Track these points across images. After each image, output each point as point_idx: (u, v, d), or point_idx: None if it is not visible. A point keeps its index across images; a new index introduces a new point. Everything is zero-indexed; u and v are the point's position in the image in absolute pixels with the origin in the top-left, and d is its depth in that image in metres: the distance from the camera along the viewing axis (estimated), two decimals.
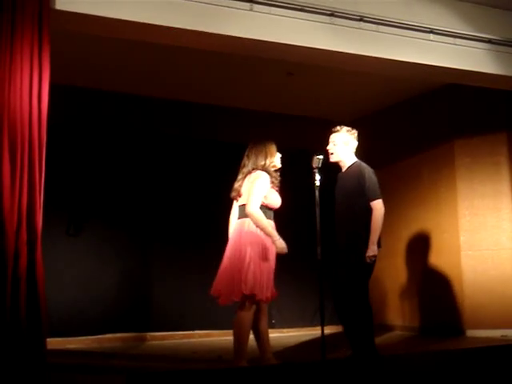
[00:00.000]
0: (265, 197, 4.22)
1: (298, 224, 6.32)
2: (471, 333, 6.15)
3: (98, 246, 6.31)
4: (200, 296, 6.07)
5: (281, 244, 4.15)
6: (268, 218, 4.24)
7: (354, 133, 4.71)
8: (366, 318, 4.41)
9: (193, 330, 6.61)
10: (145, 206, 6.59)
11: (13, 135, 3.67)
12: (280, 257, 4.25)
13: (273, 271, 4.23)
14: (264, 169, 4.30)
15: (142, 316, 6.41)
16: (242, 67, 5.97)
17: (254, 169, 4.31)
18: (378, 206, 4.46)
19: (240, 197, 4.34)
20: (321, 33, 4.71)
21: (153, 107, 6.65)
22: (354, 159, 4.69)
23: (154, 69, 6.01)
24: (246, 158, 4.40)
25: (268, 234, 4.15)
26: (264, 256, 4.14)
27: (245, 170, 4.36)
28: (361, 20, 4.80)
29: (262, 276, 4.11)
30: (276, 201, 4.31)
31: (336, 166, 4.75)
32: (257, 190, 4.18)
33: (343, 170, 4.70)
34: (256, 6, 4.50)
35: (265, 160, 4.33)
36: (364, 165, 4.61)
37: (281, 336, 6.63)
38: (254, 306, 4.14)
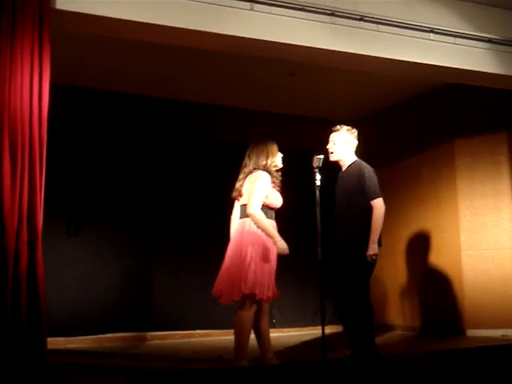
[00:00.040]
0: (266, 196, 4.23)
1: (299, 224, 6.31)
2: (471, 332, 6.16)
3: (98, 246, 6.31)
4: (200, 296, 6.09)
5: (282, 245, 4.16)
6: (269, 217, 4.25)
7: (354, 132, 4.71)
8: (367, 318, 4.41)
9: (193, 329, 6.61)
10: (145, 206, 6.59)
11: (13, 135, 3.67)
12: (281, 257, 4.25)
13: (274, 271, 4.23)
14: (265, 168, 4.30)
15: (142, 316, 6.41)
16: (242, 67, 5.97)
17: (255, 168, 4.31)
18: (378, 204, 4.46)
19: (241, 196, 4.34)
20: (321, 32, 4.71)
21: (153, 107, 6.65)
22: (354, 158, 4.69)
23: (153, 69, 6.01)
24: (247, 157, 4.40)
25: (269, 235, 4.16)
26: (265, 256, 4.14)
27: (246, 170, 4.36)
28: (361, 19, 4.80)
29: (262, 276, 4.11)
30: (277, 201, 4.32)
31: (336, 166, 4.75)
32: (258, 191, 4.18)
33: (343, 169, 4.71)
34: (256, 6, 4.50)
35: (266, 160, 4.33)
36: (364, 164, 4.61)
37: (281, 336, 6.63)
38: (254, 306, 4.14)
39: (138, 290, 6.47)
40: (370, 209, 4.45)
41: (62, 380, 3.78)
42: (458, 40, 5.15)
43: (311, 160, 4.30)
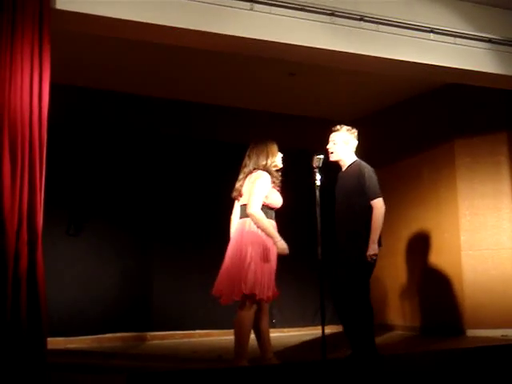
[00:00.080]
0: (266, 197, 4.23)
1: (299, 224, 6.31)
2: (471, 332, 6.16)
3: (98, 246, 6.31)
4: (200, 296, 6.09)
5: (282, 245, 4.16)
6: (269, 217, 4.25)
7: (354, 132, 4.71)
8: (367, 318, 4.41)
9: (193, 329, 6.61)
10: (145, 206, 6.59)
11: (13, 135, 3.67)
12: (281, 257, 4.25)
13: (274, 271, 4.23)
14: (265, 168, 4.30)
15: (143, 316, 6.41)
16: (242, 67, 5.97)
17: (255, 168, 4.31)
18: (378, 204, 4.46)
19: (241, 196, 4.34)
20: (321, 32, 4.71)
21: (153, 107, 6.65)
22: (354, 158, 4.69)
23: (153, 69, 6.01)
24: (247, 157, 4.40)
25: (269, 235, 4.16)
26: (265, 256, 4.14)
27: (246, 170, 4.36)
28: (361, 19, 4.80)
29: (262, 276, 4.11)
30: (277, 201, 4.32)
31: (336, 166, 4.75)
32: (257, 191, 4.18)
33: (343, 169, 4.71)
34: (256, 6, 4.50)
35: (266, 160, 4.33)
36: (364, 164, 4.61)
37: (281, 336, 6.63)
38: (254, 306, 4.14)
39: (138, 290, 6.47)
40: (370, 209, 4.45)
41: (62, 380, 3.78)
42: (458, 40, 5.15)
43: (311, 160, 4.30)
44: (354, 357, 4.42)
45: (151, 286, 6.53)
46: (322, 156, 4.32)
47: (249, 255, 4.11)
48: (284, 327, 7.02)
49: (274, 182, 4.31)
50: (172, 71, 6.08)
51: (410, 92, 6.78)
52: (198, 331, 6.62)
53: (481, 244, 6.33)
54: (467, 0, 5.25)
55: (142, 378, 3.35)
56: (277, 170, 4.40)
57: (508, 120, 6.43)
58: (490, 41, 5.25)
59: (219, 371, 3.80)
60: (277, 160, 4.40)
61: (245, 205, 4.24)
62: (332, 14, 4.71)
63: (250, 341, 4.17)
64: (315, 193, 4.23)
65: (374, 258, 4.37)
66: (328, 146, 4.68)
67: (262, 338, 4.28)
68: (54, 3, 3.98)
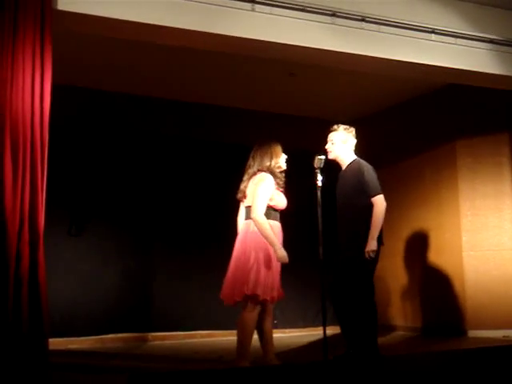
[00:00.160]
0: (270, 198, 4.21)
1: (300, 224, 6.31)
2: (473, 333, 6.15)
3: (99, 246, 6.31)
4: (202, 296, 6.09)
5: (282, 253, 4.09)
6: (273, 218, 4.23)
7: (352, 131, 4.73)
8: (371, 318, 4.40)
9: (194, 330, 6.60)
10: (146, 207, 6.59)
11: (15, 135, 3.67)
12: None
13: (278, 272, 4.21)
14: (269, 170, 4.29)
15: (144, 316, 6.40)
16: (242, 67, 5.97)
17: (259, 170, 4.30)
18: (378, 201, 4.46)
19: (245, 198, 4.33)
20: (322, 33, 4.71)
21: (153, 107, 6.64)
22: (354, 157, 4.70)
23: (153, 69, 6.01)
24: (251, 158, 4.39)
25: (270, 243, 4.10)
26: (269, 257, 4.12)
27: (250, 171, 4.35)
28: (362, 20, 4.80)
29: (266, 276, 4.09)
30: (281, 202, 4.30)
31: (337, 166, 4.75)
32: (261, 194, 4.16)
33: (343, 168, 4.71)
34: (257, 7, 4.50)
35: (270, 161, 4.32)
36: (363, 162, 4.62)
37: (283, 336, 6.63)
38: (258, 307, 4.12)
39: (139, 290, 6.47)
40: (370, 207, 4.45)
41: (63, 380, 3.78)
42: (460, 40, 5.15)
43: (312, 161, 4.30)
44: (354, 356, 4.41)
45: (153, 286, 6.52)
46: (323, 157, 4.34)
47: (252, 256, 4.10)
48: (285, 328, 7.01)
49: (277, 184, 4.30)
50: (172, 71, 6.08)
51: (411, 92, 6.78)
52: (199, 332, 6.61)
53: (482, 245, 6.32)
54: (468, 0, 5.24)
55: (143, 379, 3.35)
56: (281, 172, 4.38)
57: (509, 121, 6.43)
58: (491, 41, 5.25)
59: (220, 372, 3.80)
60: (281, 161, 4.38)
61: (249, 206, 4.23)
62: (333, 15, 4.71)
63: (253, 342, 4.16)
64: (316, 193, 4.23)
65: (372, 254, 4.35)
66: (326, 146, 4.71)
67: (264, 338, 4.27)
68: (56, 4, 3.99)
